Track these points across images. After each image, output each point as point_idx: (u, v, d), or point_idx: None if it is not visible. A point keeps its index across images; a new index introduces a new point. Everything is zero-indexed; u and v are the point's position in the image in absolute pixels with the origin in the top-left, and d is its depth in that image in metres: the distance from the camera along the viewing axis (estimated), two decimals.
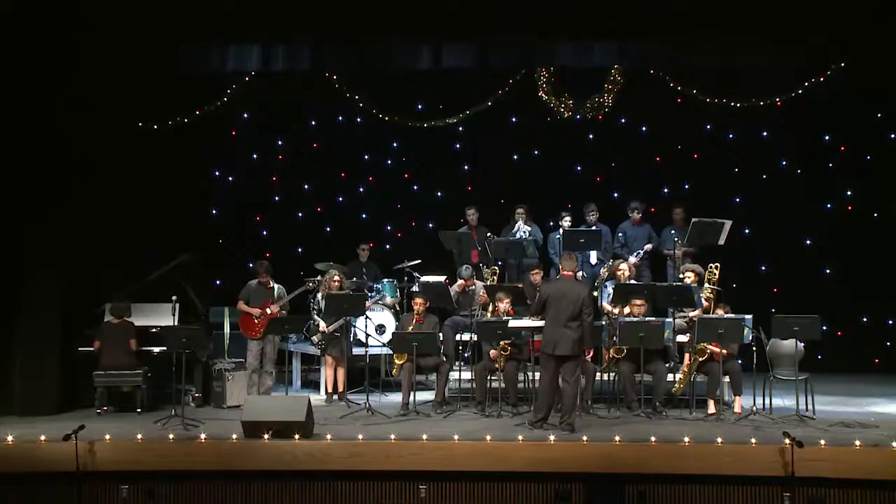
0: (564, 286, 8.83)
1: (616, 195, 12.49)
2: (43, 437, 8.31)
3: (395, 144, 12.99)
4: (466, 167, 12.99)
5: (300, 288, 10.53)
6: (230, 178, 13.14)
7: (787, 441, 7.72)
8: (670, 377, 9.57)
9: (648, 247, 11.29)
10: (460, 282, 10.55)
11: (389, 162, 13.08)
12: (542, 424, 8.64)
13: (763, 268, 12.44)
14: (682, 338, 9.75)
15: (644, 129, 12.65)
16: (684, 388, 9.57)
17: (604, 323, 9.74)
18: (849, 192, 12.37)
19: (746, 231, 12.21)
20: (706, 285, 9.76)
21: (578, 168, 12.82)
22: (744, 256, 11.98)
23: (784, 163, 12.47)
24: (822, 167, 12.37)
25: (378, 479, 8.12)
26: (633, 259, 10.82)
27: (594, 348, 9.65)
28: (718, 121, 12.21)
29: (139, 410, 9.65)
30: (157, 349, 9.96)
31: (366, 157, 13.10)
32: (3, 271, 9.93)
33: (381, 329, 10.73)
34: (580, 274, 11.29)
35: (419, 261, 11.23)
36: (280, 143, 13.11)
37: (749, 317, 9.17)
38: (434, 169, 12.98)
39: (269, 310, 10.22)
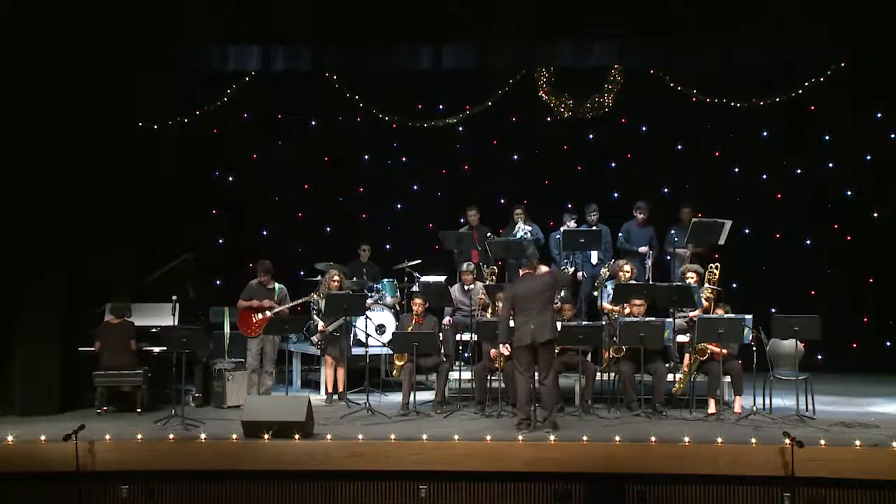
0: (529, 283, 8.80)
1: (616, 195, 12.48)
2: (43, 437, 8.31)
3: (395, 144, 12.98)
4: (466, 167, 12.99)
5: (303, 298, 10.47)
6: (230, 178, 13.14)
7: (787, 441, 7.71)
8: (670, 377, 9.56)
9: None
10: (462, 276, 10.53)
11: (389, 162, 13.07)
12: (527, 425, 8.60)
13: (763, 268, 12.42)
14: (682, 338, 9.74)
15: (644, 129, 12.65)
16: (684, 388, 9.57)
17: (604, 323, 9.74)
18: (849, 192, 12.37)
19: (746, 231, 12.20)
20: (706, 285, 9.76)
21: (578, 168, 12.83)
22: (744, 256, 11.98)
23: (784, 163, 12.46)
24: (821, 167, 12.36)
25: (378, 479, 8.11)
26: (643, 249, 10.82)
27: (595, 348, 9.68)
28: (718, 121, 12.20)
29: (139, 410, 9.64)
30: (157, 349, 9.97)
31: (366, 157, 13.10)
32: (3, 271, 9.93)
33: (381, 329, 10.73)
34: (580, 274, 11.32)
35: (419, 261, 11.23)
36: (280, 143, 13.10)
37: (749, 317, 9.15)
38: (434, 169, 12.98)
39: (269, 312, 10.20)
